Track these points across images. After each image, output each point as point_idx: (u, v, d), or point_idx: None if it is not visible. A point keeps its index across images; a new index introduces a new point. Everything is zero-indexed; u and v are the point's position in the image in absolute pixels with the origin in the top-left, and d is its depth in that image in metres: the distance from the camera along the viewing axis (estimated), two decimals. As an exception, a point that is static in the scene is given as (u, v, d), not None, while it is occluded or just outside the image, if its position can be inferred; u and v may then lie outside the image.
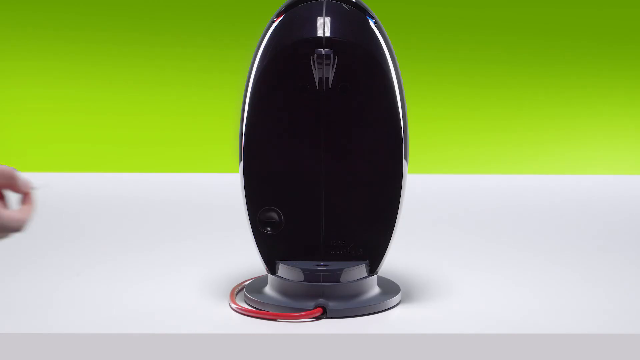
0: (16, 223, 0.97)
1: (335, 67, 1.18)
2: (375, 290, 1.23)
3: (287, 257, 1.20)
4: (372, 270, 1.22)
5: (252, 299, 1.21)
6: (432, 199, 2.07)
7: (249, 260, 1.36)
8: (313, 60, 1.18)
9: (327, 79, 1.18)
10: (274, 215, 1.20)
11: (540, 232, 1.75)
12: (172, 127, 2.68)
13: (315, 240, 1.22)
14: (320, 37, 1.17)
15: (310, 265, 1.20)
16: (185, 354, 1.00)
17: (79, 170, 2.51)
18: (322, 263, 1.21)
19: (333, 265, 1.20)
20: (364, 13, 1.20)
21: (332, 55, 1.17)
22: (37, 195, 1.02)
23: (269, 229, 1.22)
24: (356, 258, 1.22)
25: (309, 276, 1.18)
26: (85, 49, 2.66)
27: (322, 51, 1.17)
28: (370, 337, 1.10)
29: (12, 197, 0.99)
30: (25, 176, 1.01)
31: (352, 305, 1.18)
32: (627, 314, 1.21)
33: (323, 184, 1.22)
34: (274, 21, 1.20)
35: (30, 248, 1.55)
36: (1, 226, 0.96)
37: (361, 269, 1.21)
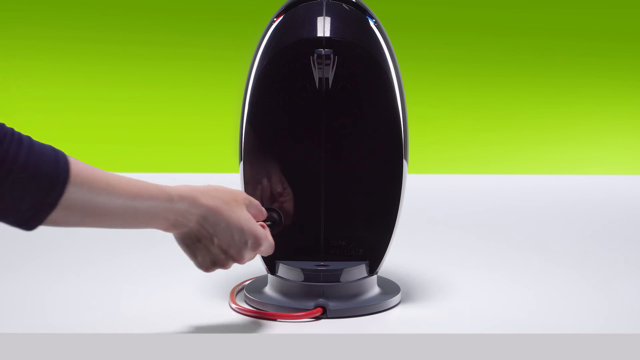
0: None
1: (335, 67, 1.18)
2: (375, 290, 1.22)
3: (287, 257, 1.20)
4: (372, 270, 1.22)
5: (252, 299, 1.21)
6: (432, 199, 2.07)
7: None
8: (313, 60, 1.17)
9: (327, 79, 1.18)
10: (274, 215, 1.20)
11: (540, 232, 1.75)
12: (172, 127, 2.68)
13: (316, 240, 1.22)
14: (320, 37, 1.17)
15: (310, 265, 1.20)
16: (186, 354, 1.00)
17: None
18: (322, 263, 1.21)
19: (333, 265, 1.20)
20: (364, 13, 1.20)
21: (332, 55, 1.17)
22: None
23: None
24: (356, 258, 1.22)
25: (309, 276, 1.18)
26: (85, 49, 2.66)
27: (322, 51, 1.17)
28: (370, 337, 1.10)
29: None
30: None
31: (352, 305, 1.18)
32: (627, 314, 1.21)
33: (323, 184, 1.22)
34: (274, 21, 1.20)
35: (30, 248, 1.54)
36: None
37: (361, 269, 1.20)
